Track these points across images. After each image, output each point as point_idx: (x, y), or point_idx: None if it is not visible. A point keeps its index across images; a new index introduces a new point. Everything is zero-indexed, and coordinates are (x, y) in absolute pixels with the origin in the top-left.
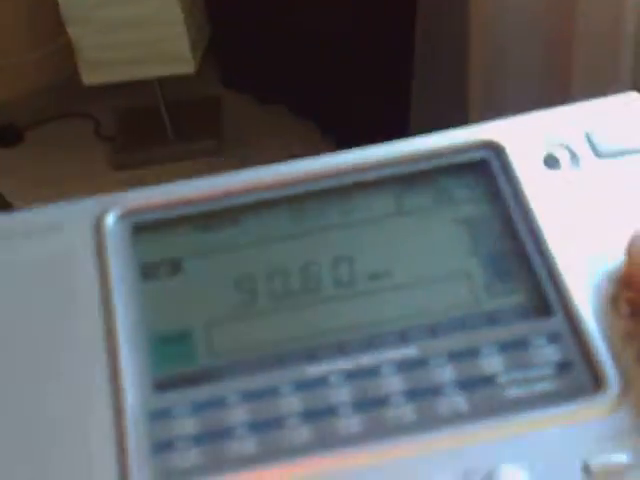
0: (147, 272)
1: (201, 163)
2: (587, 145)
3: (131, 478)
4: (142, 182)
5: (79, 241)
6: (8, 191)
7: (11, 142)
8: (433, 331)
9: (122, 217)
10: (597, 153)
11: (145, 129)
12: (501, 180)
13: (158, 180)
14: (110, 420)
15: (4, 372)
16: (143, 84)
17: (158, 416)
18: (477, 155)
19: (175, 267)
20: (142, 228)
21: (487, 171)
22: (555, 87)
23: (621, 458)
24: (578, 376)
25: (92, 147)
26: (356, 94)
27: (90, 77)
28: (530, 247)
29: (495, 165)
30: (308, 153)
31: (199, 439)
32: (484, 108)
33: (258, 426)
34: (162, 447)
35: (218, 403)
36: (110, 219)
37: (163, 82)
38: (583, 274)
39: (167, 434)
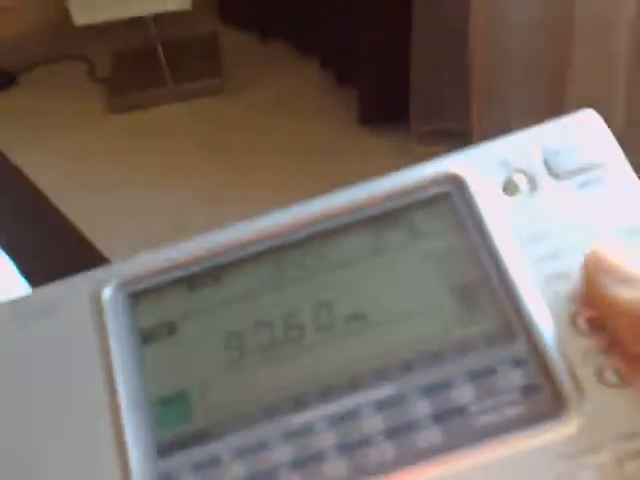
0: (146, 336)
1: (201, 104)
2: (544, 168)
3: None
4: (139, 125)
5: (79, 316)
6: (2, 135)
7: (4, 86)
8: (408, 367)
9: (118, 288)
10: (554, 175)
11: (141, 70)
12: (464, 212)
13: (156, 123)
14: None
15: (11, 441)
16: (138, 24)
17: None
18: (441, 189)
19: (171, 329)
20: (138, 296)
21: (450, 204)
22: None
23: (586, 477)
24: (542, 399)
25: (87, 90)
26: (357, 30)
27: (81, 17)
28: (493, 275)
29: (457, 198)
30: (308, 89)
31: None
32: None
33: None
34: None
35: (215, 462)
36: (107, 292)
37: (158, 20)
38: (544, 296)
39: None
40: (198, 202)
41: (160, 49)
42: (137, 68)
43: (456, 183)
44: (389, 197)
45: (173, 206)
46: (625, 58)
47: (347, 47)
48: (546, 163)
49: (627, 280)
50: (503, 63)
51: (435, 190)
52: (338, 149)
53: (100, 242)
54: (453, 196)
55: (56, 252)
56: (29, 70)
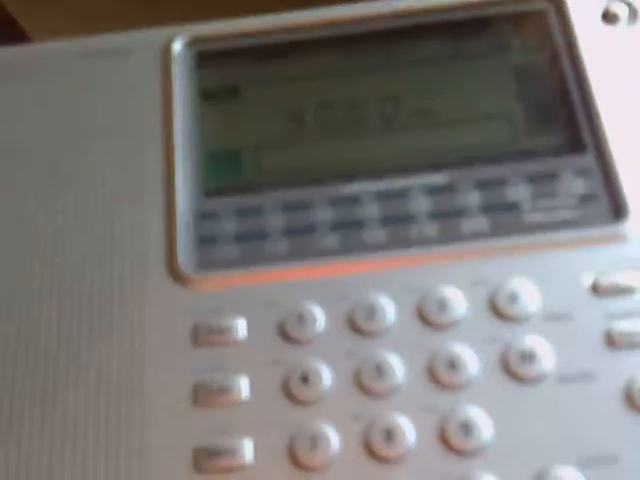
0: (207, 95)
1: None
2: None
3: (180, 267)
4: None
5: (147, 63)
6: None
7: None
8: (466, 162)
9: (188, 44)
10: None
11: None
12: (557, 32)
13: None
14: (162, 216)
15: (73, 168)
16: None
17: (205, 217)
18: (536, 6)
19: (233, 92)
20: (206, 55)
21: (545, 22)
22: None
23: (628, 279)
24: (599, 208)
25: None
26: None
27: None
28: (574, 94)
29: (553, 17)
30: None
31: (239, 238)
32: None
33: (291, 231)
34: (206, 242)
35: (257, 210)
36: (177, 45)
37: None
38: (621, 122)
39: (211, 232)
40: None
41: None
42: None
43: (554, 2)
44: (477, 4)
45: None
46: None
47: None
48: None
49: None
50: None
51: (531, 6)
52: None
53: None
54: (549, 15)
55: None
56: None
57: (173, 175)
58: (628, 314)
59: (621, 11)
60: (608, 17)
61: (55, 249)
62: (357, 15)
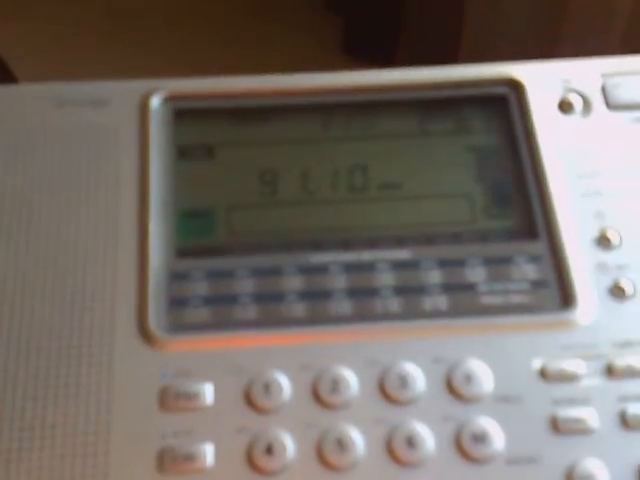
0: (182, 153)
1: None
2: (601, 96)
3: (150, 327)
4: None
5: (125, 116)
6: None
7: None
8: (428, 240)
9: (166, 100)
10: (609, 105)
11: None
12: (516, 117)
13: None
14: (134, 276)
15: (46, 219)
16: None
17: (176, 278)
18: (498, 90)
19: (208, 152)
20: (183, 113)
21: (505, 106)
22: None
23: (574, 365)
24: (550, 294)
25: None
26: None
27: None
28: (530, 179)
29: (513, 102)
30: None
31: (209, 301)
32: None
33: (261, 298)
34: (177, 303)
35: (229, 274)
36: (155, 100)
37: None
38: (573, 208)
39: (183, 294)
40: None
41: None
42: None
43: (514, 88)
44: (444, 85)
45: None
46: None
47: None
48: (604, 92)
49: None
50: (496, 16)
51: (492, 90)
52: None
53: None
54: (509, 99)
55: None
56: None
57: (147, 233)
58: (572, 401)
59: (576, 102)
60: (564, 107)
61: (24, 301)
62: (333, 85)
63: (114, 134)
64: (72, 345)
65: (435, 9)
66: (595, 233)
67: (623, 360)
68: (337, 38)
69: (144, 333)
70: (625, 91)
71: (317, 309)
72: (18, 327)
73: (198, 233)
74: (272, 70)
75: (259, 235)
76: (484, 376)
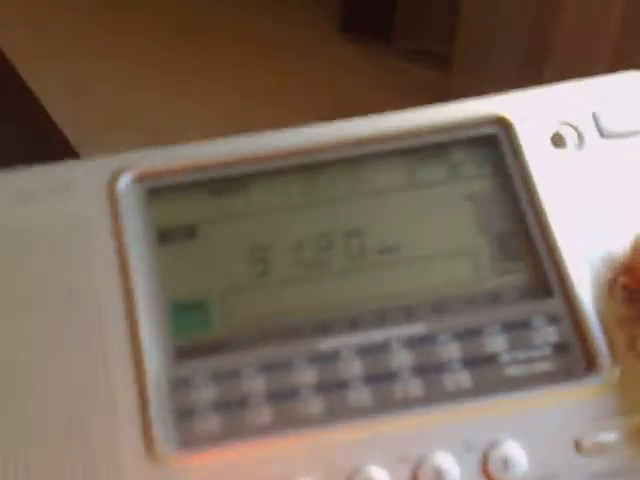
0: (163, 237)
1: None
2: (593, 125)
3: (157, 445)
4: None
5: (92, 204)
6: None
7: None
8: (439, 308)
9: (136, 180)
10: (603, 133)
11: None
12: (509, 157)
13: None
14: (132, 387)
15: (20, 337)
16: None
17: (179, 384)
18: (487, 130)
19: (191, 232)
20: (156, 192)
21: (496, 147)
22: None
23: (610, 437)
24: (573, 358)
25: None
26: None
27: None
28: (533, 227)
29: (504, 141)
30: None
31: (218, 407)
32: None
33: (273, 396)
34: (184, 414)
35: (235, 373)
36: (124, 181)
37: None
38: (583, 256)
39: (188, 402)
40: (159, 91)
41: None
42: None
43: (504, 126)
44: (430, 130)
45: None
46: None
47: None
48: (595, 119)
49: None
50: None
51: (481, 130)
52: (312, 53)
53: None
54: (499, 139)
55: None
56: None
57: (138, 336)
58: (612, 474)
59: (568, 134)
60: (556, 141)
61: (17, 448)
62: (314, 143)
63: (83, 227)
64: (76, 477)
65: None
66: (607, 282)
67: None
68: (334, 16)
69: (152, 453)
70: (617, 117)
71: (334, 402)
72: (14, 466)
73: (194, 328)
74: (266, 45)
75: (261, 322)
76: (520, 458)
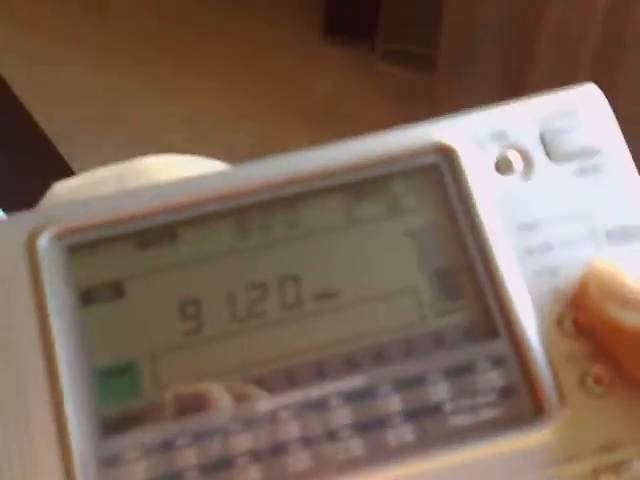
0: (87, 296)
1: None
2: (541, 146)
3: None
4: None
5: (9, 265)
6: None
7: None
8: (380, 356)
9: (55, 238)
10: (551, 156)
11: None
12: (451, 188)
13: None
14: (58, 466)
15: None
16: None
17: (108, 463)
18: (428, 160)
19: (116, 290)
20: (79, 248)
21: (438, 177)
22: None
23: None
24: (520, 402)
25: None
26: None
27: None
28: (477, 262)
29: (446, 171)
30: None
31: None
32: None
33: (209, 468)
34: None
35: (168, 446)
36: (44, 240)
37: None
38: (530, 291)
39: None
40: (146, 89)
41: None
42: None
43: (446, 155)
44: (368, 163)
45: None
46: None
47: None
48: (542, 140)
49: (632, 304)
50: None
51: (421, 160)
52: (296, 55)
53: None
54: (441, 169)
55: None
56: None
57: (63, 409)
58: None
59: (515, 159)
60: (501, 167)
61: None
62: (242, 185)
63: (1, 291)
64: None
65: None
66: (555, 317)
67: (606, 462)
68: (317, 18)
69: None
70: (565, 138)
71: (273, 469)
72: None
73: (123, 395)
74: (251, 47)
75: (194, 385)
76: None
